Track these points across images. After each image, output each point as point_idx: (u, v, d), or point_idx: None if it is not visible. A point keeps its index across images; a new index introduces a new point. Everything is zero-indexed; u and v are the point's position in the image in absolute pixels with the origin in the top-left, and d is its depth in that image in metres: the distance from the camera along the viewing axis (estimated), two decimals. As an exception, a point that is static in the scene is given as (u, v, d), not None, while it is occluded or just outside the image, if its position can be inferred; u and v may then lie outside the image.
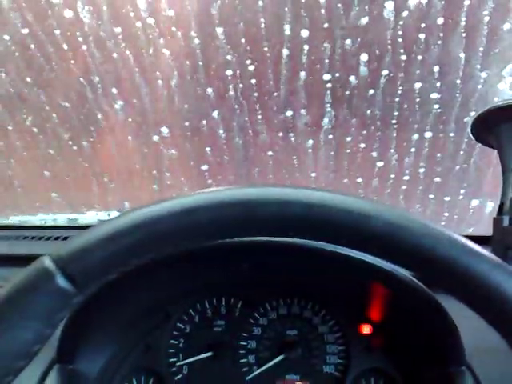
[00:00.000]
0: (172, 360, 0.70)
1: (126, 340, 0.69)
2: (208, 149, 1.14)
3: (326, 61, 0.99)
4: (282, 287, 0.72)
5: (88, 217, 1.18)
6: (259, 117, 1.08)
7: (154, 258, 0.36)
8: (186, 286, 0.70)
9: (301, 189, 0.36)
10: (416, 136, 1.06)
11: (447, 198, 1.12)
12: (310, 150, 1.11)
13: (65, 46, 1.03)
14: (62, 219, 1.19)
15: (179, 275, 0.67)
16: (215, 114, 1.08)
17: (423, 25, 0.94)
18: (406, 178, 1.11)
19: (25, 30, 1.02)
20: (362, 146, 1.08)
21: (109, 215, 1.19)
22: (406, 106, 1.03)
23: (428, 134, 1.05)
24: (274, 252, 0.60)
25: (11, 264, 0.73)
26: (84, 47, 1.03)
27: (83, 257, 0.34)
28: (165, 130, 1.12)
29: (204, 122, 1.10)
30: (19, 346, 0.34)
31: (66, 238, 0.92)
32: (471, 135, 0.72)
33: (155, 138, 1.13)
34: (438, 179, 1.10)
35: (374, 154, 1.09)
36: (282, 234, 0.37)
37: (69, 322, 0.56)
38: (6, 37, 1.03)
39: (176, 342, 0.71)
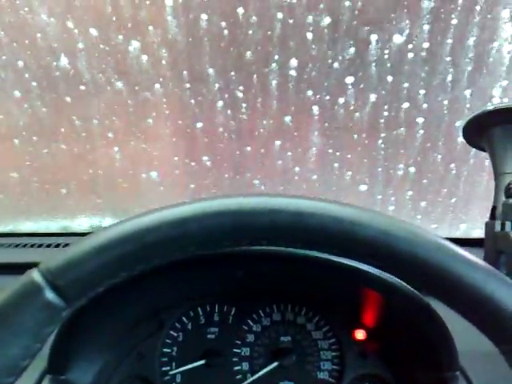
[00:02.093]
0: (165, 368, 0.69)
1: (118, 349, 0.68)
2: (205, 157, 1.13)
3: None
4: (276, 294, 0.71)
5: (80, 223, 1.18)
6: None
7: (143, 269, 0.35)
8: (179, 294, 0.70)
9: (291, 197, 0.35)
10: (407, 138, 1.06)
11: (439, 200, 1.12)
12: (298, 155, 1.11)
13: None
14: (53, 226, 1.18)
15: (172, 283, 0.66)
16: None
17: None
18: (397, 181, 1.11)
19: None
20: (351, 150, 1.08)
21: (100, 222, 1.19)
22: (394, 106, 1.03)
23: (420, 136, 1.05)
24: (267, 260, 0.60)
25: (3, 272, 0.73)
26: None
27: (72, 270, 0.34)
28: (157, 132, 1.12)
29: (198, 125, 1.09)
30: (7, 362, 0.33)
31: (58, 246, 0.91)
32: (463, 138, 0.72)
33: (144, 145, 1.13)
34: (429, 182, 1.10)
35: (366, 157, 1.09)
36: (273, 243, 0.36)
37: (60, 332, 0.56)
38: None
39: (169, 350, 0.70)
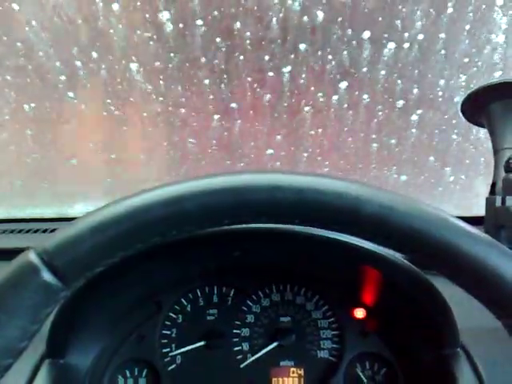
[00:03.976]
0: (165, 350, 0.69)
1: (117, 331, 0.68)
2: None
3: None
4: (275, 274, 0.71)
5: (76, 209, 1.17)
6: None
7: (141, 248, 0.35)
8: (177, 276, 0.70)
9: (291, 173, 0.35)
10: (408, 115, 1.05)
11: (439, 178, 1.12)
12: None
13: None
14: (49, 212, 1.17)
15: (170, 265, 0.66)
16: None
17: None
18: (398, 158, 1.10)
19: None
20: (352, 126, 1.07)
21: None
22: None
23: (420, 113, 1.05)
24: (266, 239, 0.60)
25: (-2, 258, 0.72)
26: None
27: (69, 250, 0.33)
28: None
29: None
30: (5, 344, 0.33)
31: (53, 231, 0.90)
32: (462, 115, 0.72)
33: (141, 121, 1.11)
34: (430, 159, 1.09)
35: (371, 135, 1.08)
36: (273, 220, 0.36)
37: (58, 316, 0.55)
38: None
39: (168, 332, 0.70)
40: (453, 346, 0.57)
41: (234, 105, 1.07)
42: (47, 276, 0.33)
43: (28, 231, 0.92)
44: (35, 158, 1.15)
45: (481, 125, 0.70)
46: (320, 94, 1.04)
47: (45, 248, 0.33)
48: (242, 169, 1.13)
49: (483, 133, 0.98)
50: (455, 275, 0.34)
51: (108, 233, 0.33)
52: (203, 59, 1.01)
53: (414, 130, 1.07)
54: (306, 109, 1.06)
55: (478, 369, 0.55)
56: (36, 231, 0.92)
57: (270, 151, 1.11)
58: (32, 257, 0.33)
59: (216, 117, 1.08)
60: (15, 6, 0.97)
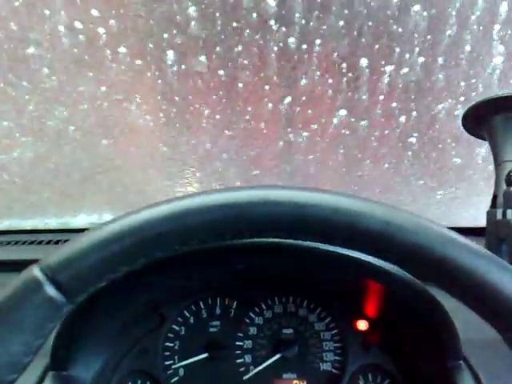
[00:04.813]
0: (168, 363, 0.69)
1: (120, 344, 0.68)
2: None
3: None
4: (277, 286, 0.71)
5: (79, 220, 1.17)
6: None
7: (144, 263, 0.35)
8: (180, 288, 0.70)
9: (293, 189, 0.35)
10: (407, 128, 1.05)
11: (440, 191, 1.12)
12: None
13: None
14: (53, 223, 1.18)
15: (173, 277, 0.66)
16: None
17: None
18: (400, 171, 1.10)
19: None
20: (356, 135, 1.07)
21: (100, 218, 1.18)
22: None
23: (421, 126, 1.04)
24: (268, 252, 0.60)
25: (3, 270, 0.72)
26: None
27: (72, 265, 0.33)
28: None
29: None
30: (10, 359, 0.33)
31: (57, 242, 0.91)
32: (463, 128, 0.72)
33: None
34: (431, 171, 1.09)
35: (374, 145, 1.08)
36: (275, 235, 0.36)
37: (62, 328, 0.56)
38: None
39: (171, 345, 0.70)
40: (455, 359, 0.57)
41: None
42: (51, 291, 0.33)
43: (32, 242, 0.93)
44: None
45: (482, 138, 0.70)
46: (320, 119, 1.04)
47: (48, 263, 0.33)
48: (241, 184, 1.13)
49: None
50: (455, 290, 0.34)
51: (111, 248, 0.34)
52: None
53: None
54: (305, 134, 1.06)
55: (481, 381, 0.55)
56: (40, 242, 0.92)
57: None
58: (36, 272, 0.33)
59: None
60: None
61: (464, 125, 0.71)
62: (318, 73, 0.97)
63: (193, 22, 0.90)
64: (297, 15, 0.89)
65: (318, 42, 0.92)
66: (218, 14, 0.89)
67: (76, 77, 1.00)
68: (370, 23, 0.89)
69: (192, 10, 0.88)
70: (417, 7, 0.86)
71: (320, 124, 1.06)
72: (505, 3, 0.84)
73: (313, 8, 0.88)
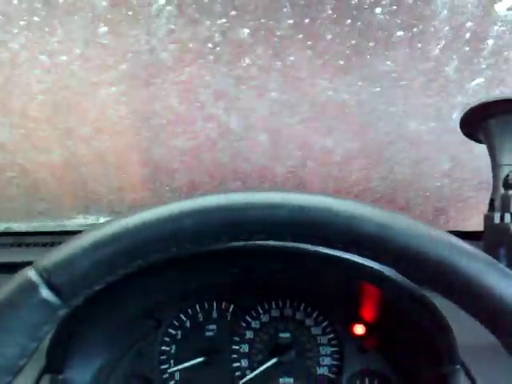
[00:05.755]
0: (164, 366, 0.69)
1: (116, 347, 0.68)
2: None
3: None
4: (274, 290, 0.71)
5: (77, 222, 1.17)
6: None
7: (140, 266, 0.35)
8: (176, 292, 0.70)
9: (290, 192, 0.35)
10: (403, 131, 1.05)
11: (438, 193, 1.12)
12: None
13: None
14: (49, 225, 1.17)
15: (169, 281, 0.66)
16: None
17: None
18: (397, 174, 1.10)
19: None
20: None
21: (98, 220, 1.18)
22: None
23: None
24: (265, 255, 0.60)
25: (-1, 272, 0.72)
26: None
27: (68, 267, 0.33)
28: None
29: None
30: (4, 362, 0.33)
31: (53, 244, 0.91)
32: (460, 131, 0.72)
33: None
34: (429, 175, 1.09)
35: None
36: (271, 238, 0.36)
37: (58, 331, 0.55)
38: None
39: (167, 349, 0.70)
40: (452, 363, 0.57)
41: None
42: (46, 293, 0.33)
43: (28, 245, 0.92)
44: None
45: (479, 141, 0.70)
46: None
47: (44, 265, 0.33)
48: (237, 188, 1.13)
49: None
50: (453, 294, 0.34)
51: (107, 250, 0.33)
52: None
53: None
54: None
55: (478, 386, 0.55)
56: (36, 245, 0.92)
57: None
58: (31, 274, 0.33)
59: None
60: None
61: (461, 128, 0.71)
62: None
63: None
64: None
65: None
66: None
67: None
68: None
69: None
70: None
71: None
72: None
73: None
